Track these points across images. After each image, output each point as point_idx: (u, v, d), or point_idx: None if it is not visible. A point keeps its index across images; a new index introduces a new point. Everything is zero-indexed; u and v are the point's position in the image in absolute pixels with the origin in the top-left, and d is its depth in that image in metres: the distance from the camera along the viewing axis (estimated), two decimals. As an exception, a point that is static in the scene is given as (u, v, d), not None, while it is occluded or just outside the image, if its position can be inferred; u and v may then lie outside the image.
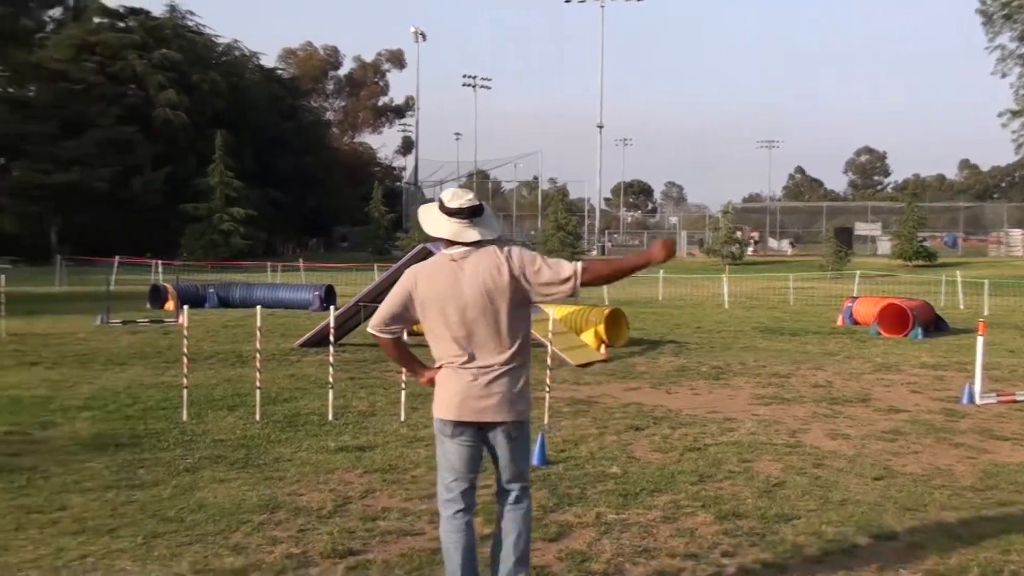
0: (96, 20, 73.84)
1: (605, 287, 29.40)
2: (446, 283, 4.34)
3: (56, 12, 74.66)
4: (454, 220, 4.36)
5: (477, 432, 4.42)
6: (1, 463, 7.54)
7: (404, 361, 4.76)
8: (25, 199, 63.90)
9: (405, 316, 4.49)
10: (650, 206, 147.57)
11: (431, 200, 4.72)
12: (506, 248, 4.36)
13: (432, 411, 4.48)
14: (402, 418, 9.66)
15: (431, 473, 7.42)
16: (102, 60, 69.72)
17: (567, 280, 4.27)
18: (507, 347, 4.36)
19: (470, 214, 4.36)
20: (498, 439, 4.43)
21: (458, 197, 4.40)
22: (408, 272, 4.50)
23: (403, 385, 9.92)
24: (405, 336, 4.85)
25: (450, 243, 4.38)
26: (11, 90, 69.38)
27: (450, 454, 4.48)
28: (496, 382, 4.35)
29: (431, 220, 4.43)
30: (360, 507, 6.52)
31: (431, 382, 4.54)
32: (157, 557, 5.41)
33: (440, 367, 4.47)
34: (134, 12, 74.79)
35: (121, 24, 74.18)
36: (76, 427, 9.10)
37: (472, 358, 4.36)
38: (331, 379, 9.92)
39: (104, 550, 5.51)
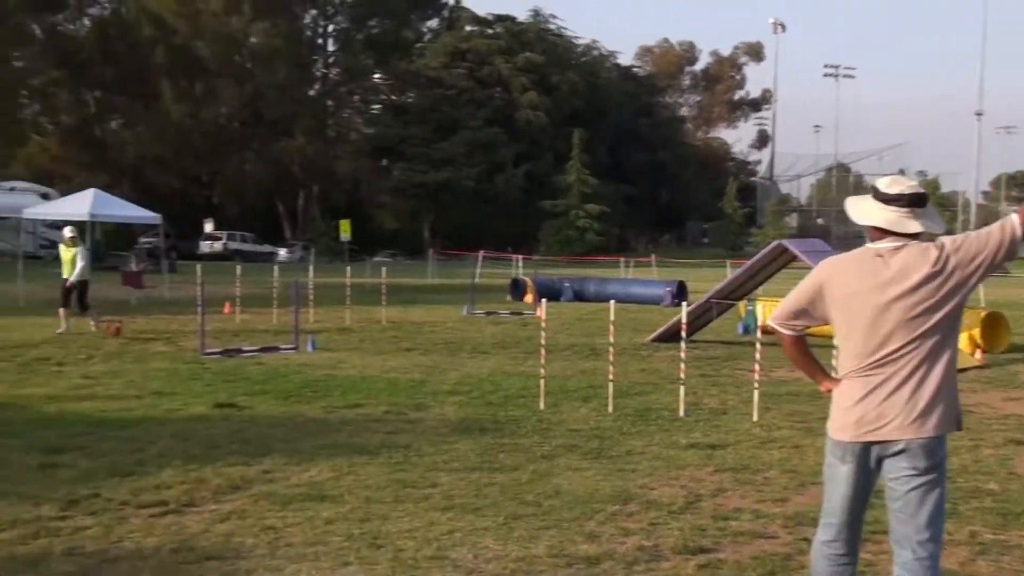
0: (467, 28, 78.91)
1: (983, 287, 26.91)
2: (866, 280, 3.77)
3: (433, 23, 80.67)
4: (891, 208, 3.82)
5: (877, 459, 3.79)
6: (381, 440, 8.25)
7: (803, 363, 4.17)
8: (403, 197, 69.70)
9: (812, 313, 3.95)
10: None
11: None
12: (939, 240, 3.80)
13: (827, 428, 3.94)
14: (755, 418, 9.46)
15: (784, 476, 7.24)
16: (471, 66, 74.39)
17: (1000, 244, 3.73)
18: (930, 360, 3.75)
19: (911, 202, 3.81)
20: (902, 468, 3.75)
21: (898, 183, 3.88)
22: (823, 264, 3.98)
23: (756, 384, 9.72)
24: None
25: (880, 235, 3.82)
26: (393, 97, 75.92)
27: (840, 483, 3.85)
28: (911, 401, 3.73)
29: (862, 209, 3.91)
30: (711, 505, 6.47)
31: (830, 392, 3.97)
32: (517, 538, 5.67)
33: (842, 378, 3.88)
34: (501, 19, 79.08)
35: (489, 31, 78.73)
36: (445, 410, 9.77)
37: (883, 370, 3.75)
38: (682, 375, 9.91)
39: (470, 527, 5.86)
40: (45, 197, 40.93)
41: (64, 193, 42.69)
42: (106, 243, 43.71)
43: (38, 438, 7.95)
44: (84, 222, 32.25)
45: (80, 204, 30.14)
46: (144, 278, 23.93)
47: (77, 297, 16.59)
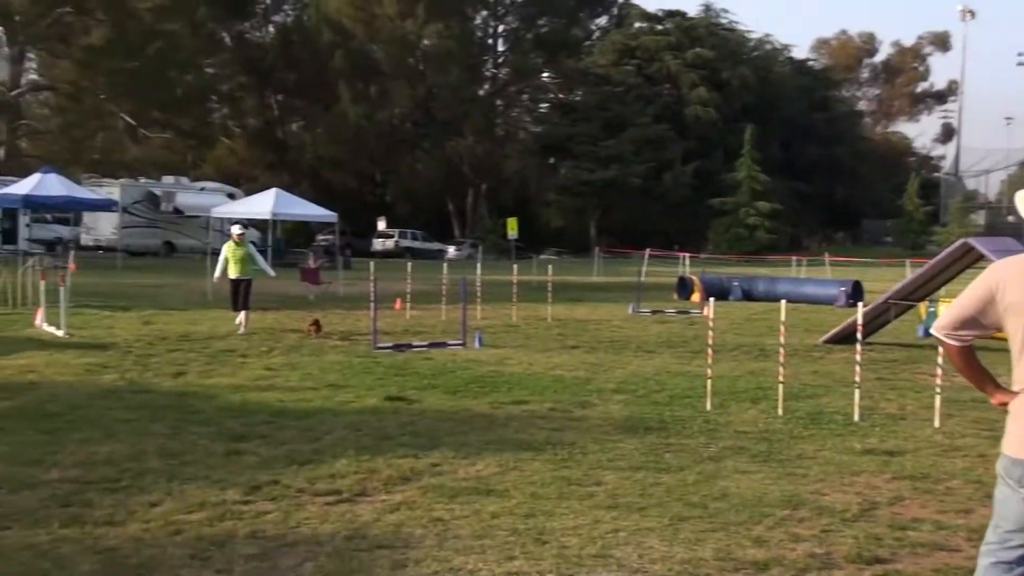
0: (636, 25, 78.43)
1: None
2: None
3: (602, 20, 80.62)
4: None
5: None
6: (546, 436, 8.31)
7: (972, 375, 3.79)
8: (570, 195, 69.95)
9: (982, 321, 3.60)
10: None
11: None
12: None
13: (1002, 446, 3.64)
14: (936, 424, 9.03)
15: (969, 486, 6.89)
16: (640, 63, 73.90)
17: None
18: None
19: None
20: None
21: None
22: (993, 268, 3.64)
23: (937, 389, 9.28)
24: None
25: None
26: (561, 95, 76.28)
27: (1013, 504, 3.54)
28: None
29: None
30: (888, 514, 6.22)
31: (1004, 407, 3.64)
32: (682, 540, 5.61)
33: (1019, 392, 3.56)
34: (671, 14, 78.21)
35: (659, 27, 77.99)
36: (610, 408, 9.75)
37: None
38: (857, 378, 9.57)
39: (634, 527, 5.82)
40: (231, 197, 43.16)
41: (249, 193, 44.94)
42: (286, 240, 45.78)
43: (224, 426, 8.39)
44: (265, 220, 33.90)
45: (263, 203, 31.68)
46: (321, 274, 24.86)
47: (244, 296, 16.27)
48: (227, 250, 16.51)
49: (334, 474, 6.84)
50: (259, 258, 17.25)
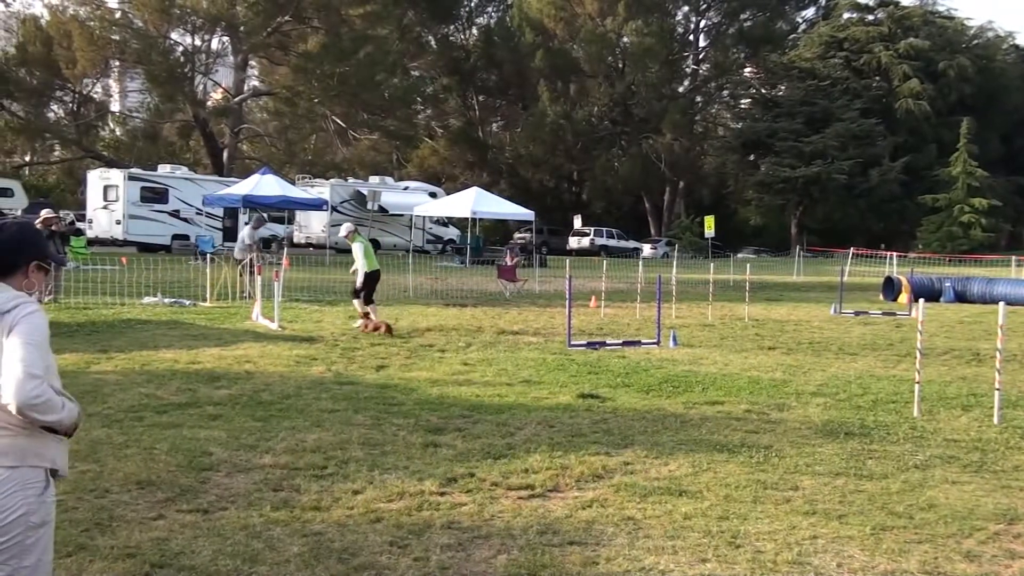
0: (845, 16, 75.52)
1: None
2: None
3: (808, 12, 78.13)
4: None
5: None
6: (741, 438, 8.15)
7: None
8: (770, 192, 68.18)
9: None
10: None
11: None
12: None
13: None
14: None
15: None
16: (848, 55, 71.13)
17: None
18: None
19: None
20: None
21: None
22: None
23: None
24: None
25: None
26: (763, 91, 74.43)
27: None
28: None
29: None
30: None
31: None
32: (885, 550, 5.39)
33: None
34: (883, 4, 74.81)
35: (869, 17, 74.82)
36: (808, 412, 9.46)
37: None
38: (1084, 388, 8.90)
39: (833, 534, 5.64)
40: (433, 196, 44.48)
41: (449, 192, 46.21)
42: (484, 238, 46.81)
43: (422, 418, 8.67)
44: (465, 218, 34.76)
45: (463, 202, 32.52)
46: (518, 272, 25.25)
47: (366, 291, 15.74)
48: (360, 249, 15.79)
49: (527, 469, 6.95)
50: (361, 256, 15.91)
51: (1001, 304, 10.12)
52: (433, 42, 68.20)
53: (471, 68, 69.06)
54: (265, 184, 33.40)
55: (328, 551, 5.25)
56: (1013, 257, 39.75)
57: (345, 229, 16.47)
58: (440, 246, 46.17)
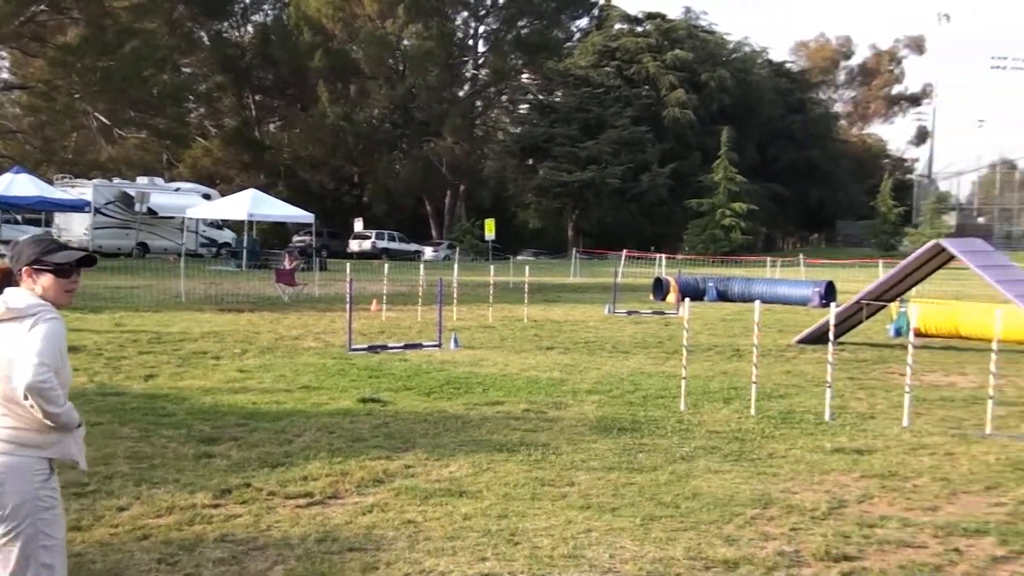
0: (616, 26, 78.56)
1: None
2: None
3: (583, 22, 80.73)
4: None
5: None
6: (520, 437, 8.32)
7: None
8: (548, 196, 70.02)
9: None
10: None
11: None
12: None
13: None
14: (905, 423, 9.12)
15: (936, 484, 6.97)
16: (620, 64, 74.02)
17: None
18: None
19: None
20: None
21: None
22: None
23: (907, 388, 9.36)
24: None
25: None
26: (541, 97, 76.30)
27: None
28: None
29: None
30: (856, 512, 6.28)
31: None
32: (654, 539, 5.64)
33: None
34: (651, 16, 78.33)
35: (639, 29, 78.17)
36: (584, 409, 9.77)
37: None
38: (829, 378, 9.64)
39: (606, 527, 5.85)
40: (206, 197, 42.85)
41: (224, 193, 44.69)
42: (262, 241, 45.56)
43: (195, 429, 8.34)
44: (241, 221, 33.73)
45: (239, 204, 31.51)
46: (296, 276, 24.75)
47: None
48: None
49: (306, 476, 6.82)
50: None
51: (757, 302, 10.81)
52: (206, 38, 65.78)
53: (247, 66, 67.05)
54: (19, 184, 31.16)
55: (89, 573, 4.96)
56: (768, 258, 42.58)
57: None
58: (215, 249, 44.54)
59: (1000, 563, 5.39)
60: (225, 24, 67.79)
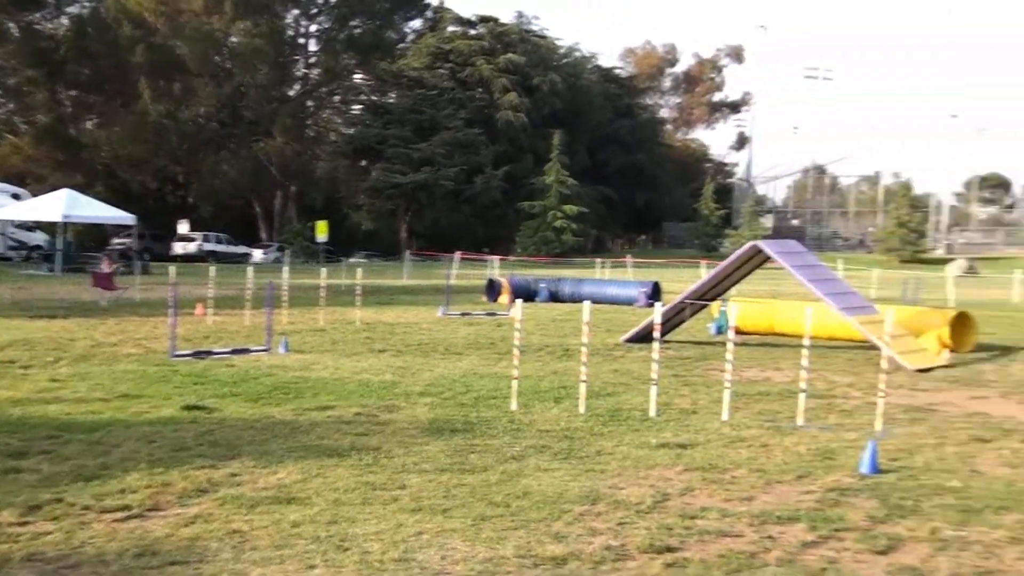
0: (450, 29, 78.77)
1: (952, 287, 27.28)
2: None
3: (416, 23, 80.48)
4: None
5: None
6: (351, 442, 8.21)
7: None
8: (381, 198, 69.55)
9: None
10: (1009, 202, 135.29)
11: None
12: None
13: None
14: (724, 417, 9.50)
15: (752, 475, 7.28)
16: (453, 66, 74.29)
17: None
18: None
19: None
20: None
21: None
22: None
23: (727, 384, 9.75)
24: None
25: None
26: (374, 98, 75.68)
27: None
28: None
29: None
30: (679, 504, 6.49)
31: None
32: (484, 539, 5.66)
33: None
34: (484, 20, 78.91)
35: (472, 32, 78.61)
36: (416, 411, 9.73)
37: None
38: (654, 375, 9.93)
39: (437, 528, 5.84)
40: (16, 198, 40.54)
41: (36, 194, 42.38)
42: (78, 244, 43.39)
43: (1, 443, 7.84)
44: (55, 223, 32.06)
45: (53, 205, 29.97)
46: (115, 280, 23.69)
47: None
48: None
49: (124, 489, 6.52)
50: None
51: (586, 303, 11.03)
52: (16, 30, 62.17)
53: (61, 60, 63.68)
54: None
55: None
56: (598, 259, 43.59)
57: None
58: (25, 252, 42.14)
59: (810, 547, 5.67)
60: (37, 15, 64.22)
